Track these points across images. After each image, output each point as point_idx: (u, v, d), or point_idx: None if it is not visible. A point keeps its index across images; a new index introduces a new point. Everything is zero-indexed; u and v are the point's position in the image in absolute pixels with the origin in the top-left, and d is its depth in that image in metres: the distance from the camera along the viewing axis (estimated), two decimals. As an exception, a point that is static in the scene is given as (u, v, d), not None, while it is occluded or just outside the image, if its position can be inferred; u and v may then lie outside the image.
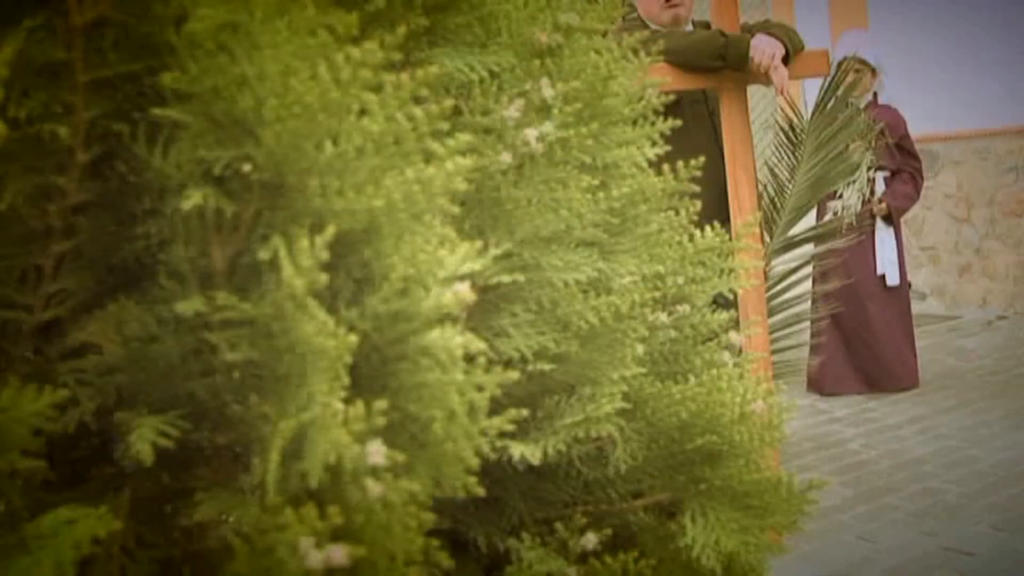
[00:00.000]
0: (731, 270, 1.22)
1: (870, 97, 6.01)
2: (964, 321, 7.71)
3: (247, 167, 0.73)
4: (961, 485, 4.52)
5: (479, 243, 0.80)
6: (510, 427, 0.80)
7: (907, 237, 6.07)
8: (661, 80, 1.16)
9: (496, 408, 1.06)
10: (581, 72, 1.05)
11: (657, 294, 1.12)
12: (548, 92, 0.99)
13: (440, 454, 0.76)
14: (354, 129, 0.72)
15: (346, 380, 0.70)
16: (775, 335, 4.59)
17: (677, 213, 1.19)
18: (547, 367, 0.99)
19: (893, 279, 5.94)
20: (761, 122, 7.77)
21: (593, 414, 1.00)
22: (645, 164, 1.13)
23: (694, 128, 4.04)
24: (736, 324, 1.25)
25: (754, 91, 7.81)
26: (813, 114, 4.65)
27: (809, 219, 6.26)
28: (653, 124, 1.13)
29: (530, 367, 0.98)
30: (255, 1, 0.72)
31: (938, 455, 4.91)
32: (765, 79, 3.82)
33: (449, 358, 0.73)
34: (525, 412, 0.85)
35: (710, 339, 1.19)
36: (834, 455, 5.03)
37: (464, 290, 0.74)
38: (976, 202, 7.41)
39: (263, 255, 0.71)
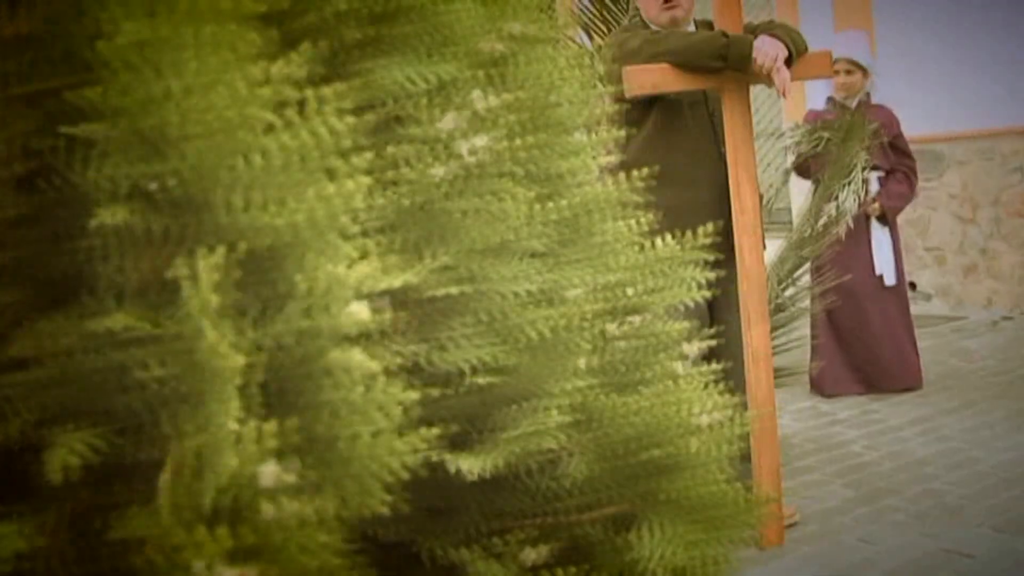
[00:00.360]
0: (690, 279, 1.20)
1: (863, 97, 5.97)
2: (969, 322, 7.64)
3: (163, 184, 0.72)
4: (963, 487, 4.49)
5: (388, 259, 0.79)
6: (423, 445, 0.79)
7: (912, 237, 6.03)
8: (607, 89, 1.14)
9: (439, 422, 1.06)
10: (529, 82, 1.04)
11: (608, 305, 1.11)
12: (482, 104, 0.98)
13: (350, 472, 0.75)
14: (261, 146, 0.71)
15: (249, 399, 0.69)
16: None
17: (637, 222, 1.18)
18: (491, 380, 0.98)
19: (890, 279, 5.89)
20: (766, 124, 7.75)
21: (538, 427, 0.99)
22: (595, 173, 1.11)
23: (694, 129, 4.03)
24: (694, 334, 1.24)
25: (757, 92, 7.79)
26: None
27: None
28: (602, 133, 1.11)
29: (472, 380, 0.97)
30: (166, 19, 0.71)
31: (940, 456, 4.87)
32: (767, 80, 3.81)
33: (351, 377, 0.72)
34: (455, 428, 0.84)
35: (668, 349, 1.17)
36: (836, 457, 5.00)
37: (363, 309, 0.73)
38: (981, 202, 7.35)
39: (174, 273, 0.71)
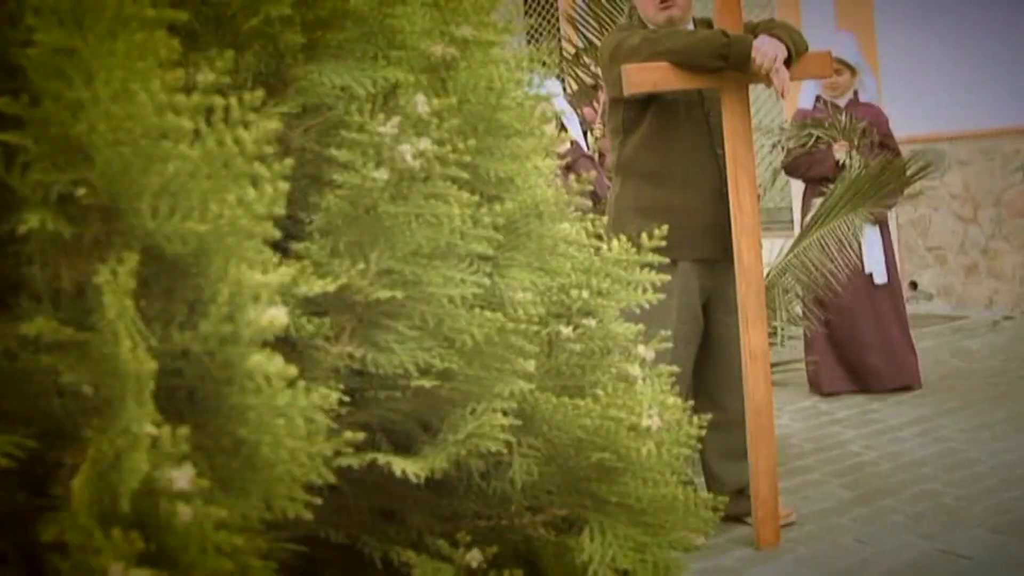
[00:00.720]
0: (640, 283, 1.20)
1: (851, 96, 5.97)
2: (970, 321, 7.59)
3: (89, 190, 0.73)
4: (961, 487, 4.46)
5: (320, 264, 0.79)
6: (348, 448, 0.79)
7: (913, 237, 6.00)
8: (548, 96, 1.14)
9: (384, 427, 1.06)
10: (476, 86, 1.04)
11: (557, 307, 1.11)
12: (423, 108, 0.98)
13: (271, 476, 0.75)
14: (182, 153, 0.71)
15: (168, 403, 0.69)
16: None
17: (586, 225, 1.18)
18: (433, 383, 0.98)
19: (880, 278, 5.85)
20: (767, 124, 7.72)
21: (481, 429, 0.99)
22: (542, 177, 1.11)
23: (690, 130, 4.01)
24: (645, 338, 1.23)
25: (760, 91, 7.77)
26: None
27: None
28: (545, 136, 1.11)
29: (415, 383, 0.98)
30: (89, 26, 0.72)
31: (938, 457, 4.85)
32: (767, 80, 3.79)
33: (269, 382, 0.72)
34: (361, 435, 0.84)
35: (620, 352, 1.17)
36: (834, 457, 4.98)
37: (278, 313, 0.73)
38: (982, 202, 7.31)
39: (96, 278, 0.71)
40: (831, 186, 5.64)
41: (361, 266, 0.92)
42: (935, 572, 3.74)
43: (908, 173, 5.39)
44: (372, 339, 0.99)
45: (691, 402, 3.53)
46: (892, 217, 5.97)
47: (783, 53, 3.73)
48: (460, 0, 1.06)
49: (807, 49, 3.98)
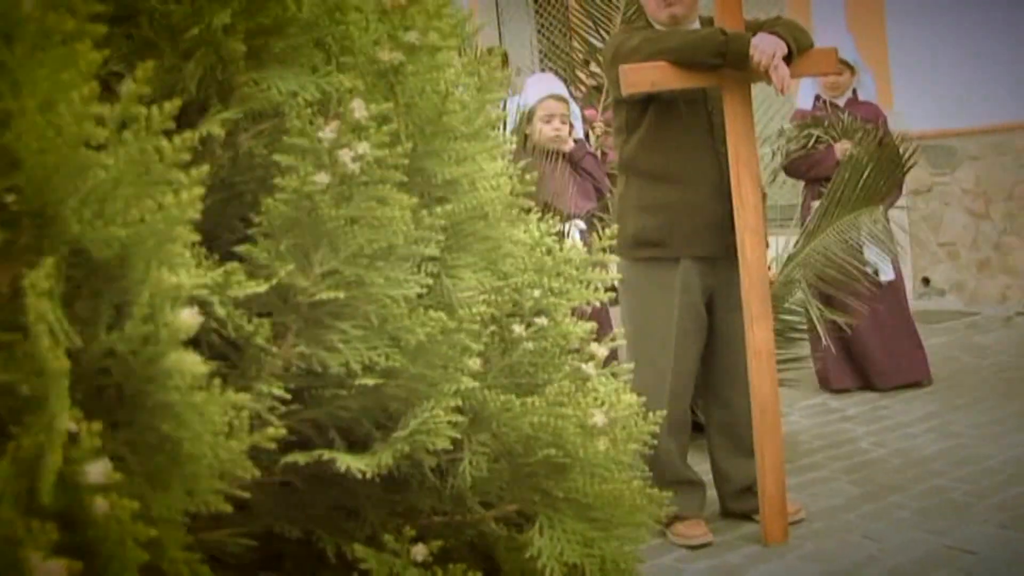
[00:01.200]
0: (594, 282, 1.21)
1: (850, 94, 5.95)
2: (982, 317, 7.53)
3: (12, 198, 0.76)
4: (969, 483, 4.44)
5: (225, 266, 0.81)
6: (271, 444, 0.81)
7: (925, 233, 5.95)
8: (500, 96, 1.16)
9: (339, 425, 1.09)
10: (423, 90, 1.06)
11: (507, 307, 1.12)
12: (361, 113, 1.00)
13: (193, 470, 0.77)
14: (101, 162, 0.74)
15: (91, 400, 0.72)
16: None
17: (539, 225, 1.19)
18: (378, 381, 1.01)
19: (886, 275, 5.80)
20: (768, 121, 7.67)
21: (423, 427, 1.01)
22: (487, 179, 1.13)
23: (690, 127, 4.01)
24: (598, 336, 1.25)
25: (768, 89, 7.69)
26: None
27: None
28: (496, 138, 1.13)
29: (360, 381, 1.00)
30: (16, 39, 0.74)
31: (948, 453, 4.82)
32: (766, 78, 3.79)
33: (186, 380, 0.75)
34: (283, 431, 0.87)
35: (575, 351, 1.19)
36: (844, 453, 4.96)
37: (192, 314, 0.75)
38: (994, 197, 7.25)
39: (22, 282, 0.74)
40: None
41: (304, 267, 0.94)
42: (941, 568, 3.73)
43: (904, 158, 5.38)
44: (318, 338, 1.01)
45: (697, 398, 3.52)
46: (901, 213, 5.92)
47: (782, 50, 3.72)
48: (408, 7, 1.08)
49: (811, 46, 3.97)
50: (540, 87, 5.17)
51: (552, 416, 1.08)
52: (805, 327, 5.24)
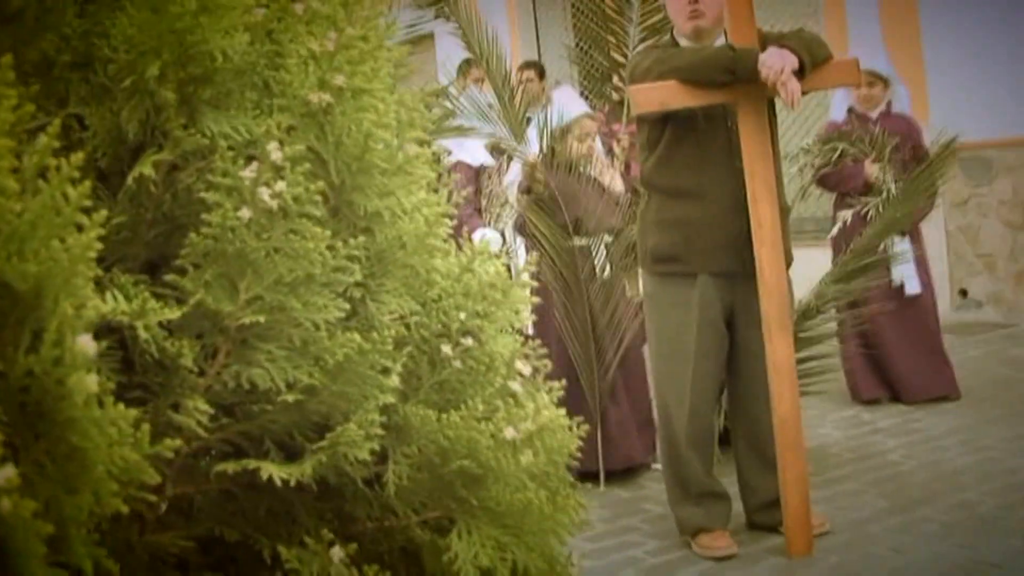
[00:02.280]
0: (517, 304, 1.29)
1: (883, 108, 5.89)
2: (1020, 329, 7.38)
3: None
4: (998, 497, 4.40)
5: (121, 299, 0.91)
6: (170, 454, 0.90)
7: (962, 244, 5.88)
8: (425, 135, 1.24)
9: (276, 438, 1.18)
10: (349, 130, 1.15)
11: (434, 329, 1.20)
12: (277, 155, 1.09)
13: (97, 476, 0.87)
14: (12, 209, 0.84)
15: (11, 416, 0.81)
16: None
17: (464, 252, 1.27)
18: (300, 398, 1.10)
19: (912, 288, 5.76)
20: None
21: (341, 439, 1.09)
22: (405, 211, 1.21)
23: (708, 143, 4.03)
24: (523, 353, 1.32)
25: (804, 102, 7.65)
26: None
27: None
28: (411, 175, 1.21)
29: (283, 398, 1.09)
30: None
31: (977, 466, 4.78)
32: (775, 92, 3.81)
33: (84, 397, 0.84)
34: (179, 442, 0.96)
35: (505, 368, 1.26)
36: (873, 466, 4.94)
37: (88, 340, 0.85)
38: None
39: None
40: (860, 198, 5.62)
41: (231, 294, 1.03)
42: (965, 582, 3.71)
43: (935, 166, 5.35)
44: (247, 358, 1.10)
45: (718, 412, 3.55)
46: (939, 225, 5.87)
47: (791, 64, 3.72)
48: (335, 53, 1.17)
49: (829, 58, 3.97)
50: (573, 104, 5.24)
51: (467, 430, 1.16)
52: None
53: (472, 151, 6.08)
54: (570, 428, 1.23)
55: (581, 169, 5.02)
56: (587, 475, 4.86)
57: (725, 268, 4.05)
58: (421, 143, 1.22)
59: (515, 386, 1.27)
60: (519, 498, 1.19)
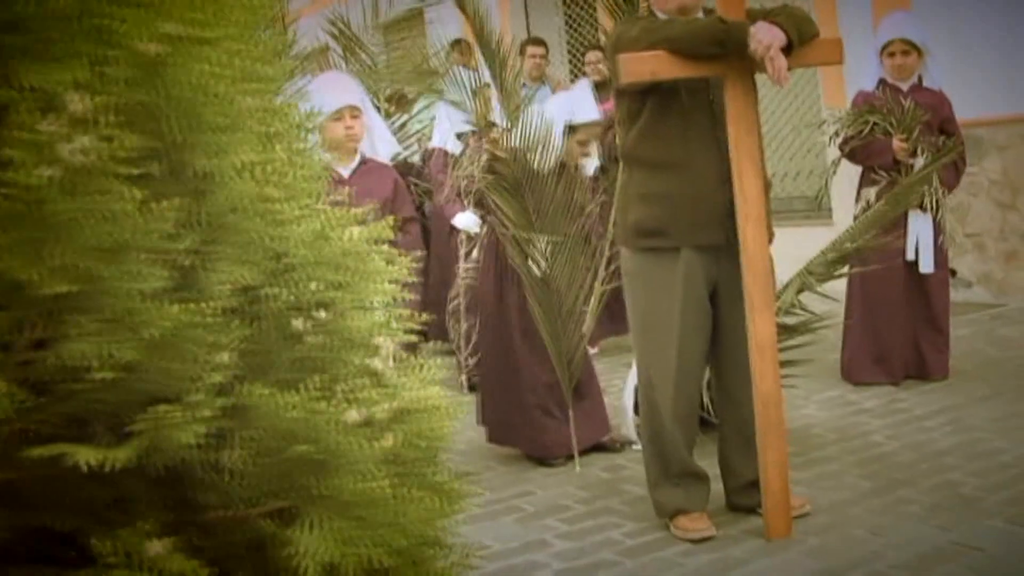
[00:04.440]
0: (380, 273, 1.16)
1: (915, 80, 5.62)
2: (1008, 309, 7.19)
3: None
4: (981, 478, 4.25)
5: None
6: None
7: (952, 224, 5.71)
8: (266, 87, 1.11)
9: (103, 420, 1.06)
10: (184, 83, 1.03)
11: (288, 302, 1.08)
12: (78, 106, 0.97)
13: None
14: None
15: None
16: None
17: (323, 218, 1.14)
18: (118, 375, 0.97)
19: (926, 267, 5.54)
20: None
21: (166, 422, 0.97)
22: (239, 171, 1.08)
23: (691, 116, 3.89)
24: (384, 330, 1.19)
25: (796, 77, 7.50)
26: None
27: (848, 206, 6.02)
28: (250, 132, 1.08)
29: (99, 375, 0.97)
30: None
31: (962, 447, 4.63)
32: (762, 67, 3.68)
33: None
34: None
35: (364, 344, 1.14)
36: (856, 447, 4.79)
37: None
38: (1022, 188, 6.90)
39: None
40: (885, 175, 5.44)
41: (34, 261, 0.91)
42: (945, 564, 3.58)
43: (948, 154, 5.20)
44: (60, 332, 0.98)
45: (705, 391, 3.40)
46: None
47: (780, 40, 3.59)
48: None
49: (817, 35, 3.84)
50: (588, 107, 5.09)
51: (308, 413, 1.03)
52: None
53: (451, 138, 5.97)
54: (444, 409, 1.11)
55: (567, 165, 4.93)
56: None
57: (709, 241, 3.91)
58: (261, 96, 1.09)
59: (376, 364, 1.15)
60: (367, 488, 1.07)
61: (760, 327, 3.85)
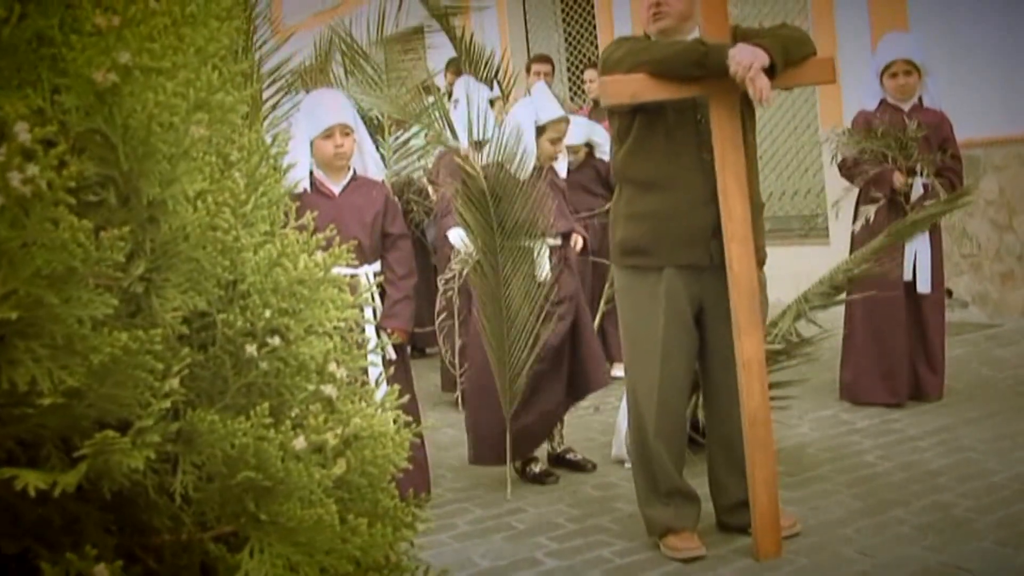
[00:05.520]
0: (331, 300, 1.16)
1: (915, 100, 5.61)
2: (1004, 330, 7.15)
3: None
4: (972, 499, 4.23)
5: None
6: None
7: (948, 244, 5.69)
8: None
9: (32, 443, 1.06)
10: (135, 111, 1.03)
11: (241, 328, 1.08)
12: (24, 136, 0.98)
13: None
14: None
15: None
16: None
17: (277, 244, 1.15)
18: (63, 401, 0.98)
19: (923, 286, 5.51)
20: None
21: (114, 447, 0.98)
22: (191, 200, 1.09)
23: (676, 136, 3.90)
24: (337, 357, 1.20)
25: (796, 95, 7.50)
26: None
27: (846, 226, 6.00)
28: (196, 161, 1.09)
29: (47, 400, 0.97)
30: None
31: (954, 468, 4.61)
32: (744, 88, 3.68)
33: None
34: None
35: (317, 371, 1.14)
36: (849, 466, 4.78)
37: None
38: (1018, 208, 6.89)
39: None
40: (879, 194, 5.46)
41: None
42: (934, 585, 3.57)
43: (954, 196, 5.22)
44: (9, 358, 0.99)
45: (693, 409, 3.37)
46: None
47: (760, 61, 3.59)
48: (121, 29, 1.05)
49: (813, 53, 3.83)
50: (550, 106, 5.13)
51: (255, 439, 1.04)
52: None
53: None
54: (393, 436, 1.11)
55: (541, 168, 4.94)
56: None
57: (691, 261, 3.91)
58: (215, 125, 1.10)
59: (329, 390, 1.15)
60: (311, 514, 1.07)
61: (747, 346, 3.84)
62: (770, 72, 3.61)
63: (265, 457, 1.05)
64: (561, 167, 5.40)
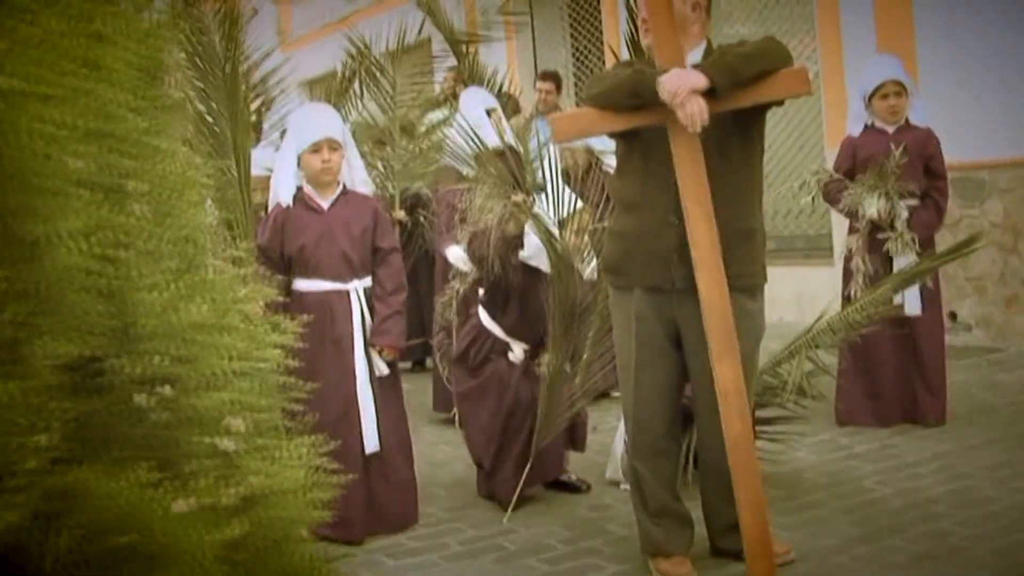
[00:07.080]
0: (224, 346, 1.06)
1: (902, 122, 5.49)
2: (1008, 354, 6.94)
3: None
4: (970, 527, 4.08)
5: None
6: None
7: (953, 267, 5.52)
8: None
9: None
10: (16, 142, 0.93)
11: (134, 376, 0.98)
12: None
13: None
14: None
15: None
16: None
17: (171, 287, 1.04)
18: None
19: (912, 309, 5.36)
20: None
21: None
22: (73, 237, 0.99)
23: (651, 157, 3.77)
24: (244, 405, 1.09)
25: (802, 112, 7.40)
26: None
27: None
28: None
29: None
30: None
31: (953, 495, 4.46)
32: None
33: None
34: None
35: (213, 424, 1.04)
36: (846, 492, 4.63)
37: None
38: (1023, 231, 6.78)
39: None
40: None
41: None
42: (929, 616, 3.43)
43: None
44: None
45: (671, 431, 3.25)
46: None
47: (691, 85, 3.45)
48: (7, 51, 0.96)
49: (781, 66, 3.66)
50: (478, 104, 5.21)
51: (139, 499, 0.94)
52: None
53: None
54: (300, 493, 1.01)
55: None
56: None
57: (655, 283, 3.80)
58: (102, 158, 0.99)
59: (226, 445, 1.05)
60: None
61: (723, 375, 3.68)
62: (712, 93, 3.48)
63: (150, 519, 0.95)
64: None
